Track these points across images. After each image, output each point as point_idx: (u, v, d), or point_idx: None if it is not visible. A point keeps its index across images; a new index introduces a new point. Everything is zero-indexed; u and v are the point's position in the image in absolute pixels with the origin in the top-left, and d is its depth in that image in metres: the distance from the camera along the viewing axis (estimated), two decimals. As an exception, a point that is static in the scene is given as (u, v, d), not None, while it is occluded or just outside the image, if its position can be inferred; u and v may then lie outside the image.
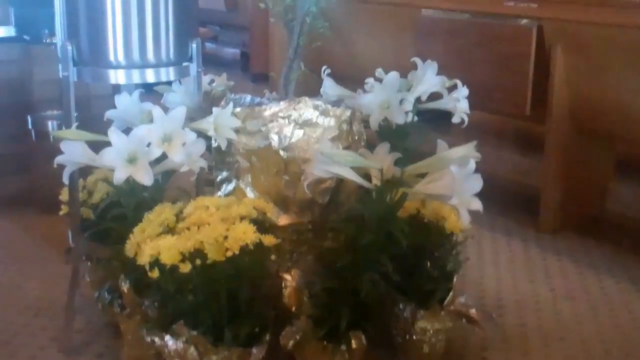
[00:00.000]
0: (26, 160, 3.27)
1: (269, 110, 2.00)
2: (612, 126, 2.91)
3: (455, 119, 2.22)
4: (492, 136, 4.12)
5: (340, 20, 3.26)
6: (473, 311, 1.95)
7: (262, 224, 1.74)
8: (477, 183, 1.69)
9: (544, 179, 3.11)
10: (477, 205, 1.72)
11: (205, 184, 2.07)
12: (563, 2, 3.14)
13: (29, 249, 2.83)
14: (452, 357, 2.04)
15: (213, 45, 7.82)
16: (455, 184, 1.65)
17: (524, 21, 3.03)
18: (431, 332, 1.90)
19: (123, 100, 2.08)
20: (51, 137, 2.30)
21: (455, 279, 1.95)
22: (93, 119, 2.25)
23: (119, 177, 1.74)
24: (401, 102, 2.12)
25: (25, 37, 3.40)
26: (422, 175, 1.81)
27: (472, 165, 1.70)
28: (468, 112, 2.23)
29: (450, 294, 1.92)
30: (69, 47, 1.94)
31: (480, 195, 1.74)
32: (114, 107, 2.10)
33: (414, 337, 1.90)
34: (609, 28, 2.87)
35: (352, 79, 2.40)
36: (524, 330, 2.24)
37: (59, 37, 2.03)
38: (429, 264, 1.93)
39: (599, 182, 3.27)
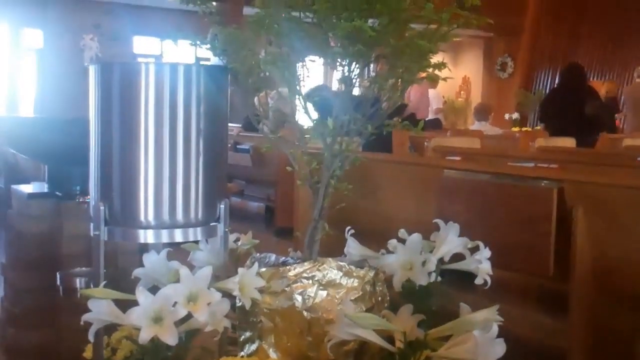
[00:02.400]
0: (52, 315, 3.30)
1: (293, 270, 2.03)
2: (637, 286, 2.91)
3: (478, 281, 2.23)
4: (516, 295, 4.09)
5: (365, 180, 3.35)
6: None
7: (285, 386, 1.73)
8: (500, 348, 1.69)
9: (569, 339, 3.08)
10: (501, 370, 1.71)
11: (229, 343, 2.08)
12: (583, 163, 3.21)
13: (49, 405, 2.81)
14: None
15: (239, 199, 7.98)
16: (478, 348, 1.65)
17: (545, 182, 3.09)
18: None
19: (151, 259, 2.12)
20: (78, 294, 2.34)
21: None
22: (119, 275, 2.28)
23: (145, 337, 1.76)
24: (424, 263, 2.15)
25: (58, 193, 3.51)
26: (446, 338, 1.81)
27: (495, 329, 1.71)
28: (491, 273, 2.24)
29: None
30: (102, 207, 2.01)
31: (506, 356, 1.74)
32: (141, 262, 2.14)
33: None
34: (630, 190, 2.92)
35: (376, 237, 2.44)
36: None
37: (92, 197, 2.10)
38: None
39: (625, 341, 3.22)
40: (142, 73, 1.99)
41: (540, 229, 3.05)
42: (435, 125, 11.51)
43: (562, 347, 3.19)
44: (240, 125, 8.67)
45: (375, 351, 1.93)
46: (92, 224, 2.05)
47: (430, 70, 2.09)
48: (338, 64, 2.12)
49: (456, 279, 2.32)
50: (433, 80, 2.20)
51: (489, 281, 2.23)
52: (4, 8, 13.40)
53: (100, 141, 2.04)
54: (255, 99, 2.26)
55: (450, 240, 2.22)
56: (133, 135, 1.99)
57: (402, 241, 2.21)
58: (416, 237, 2.18)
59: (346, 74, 2.10)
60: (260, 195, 7.80)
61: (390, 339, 1.84)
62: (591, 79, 14.68)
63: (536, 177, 3.20)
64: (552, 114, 8.67)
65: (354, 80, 2.13)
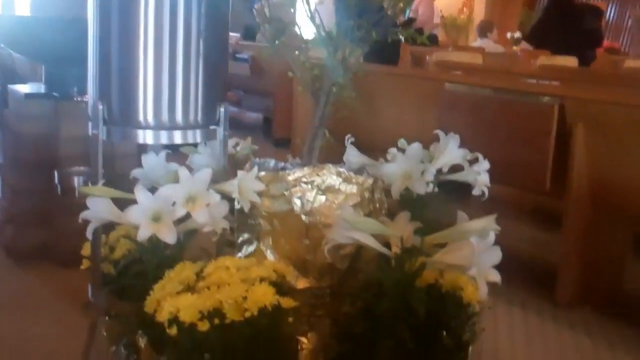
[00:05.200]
0: (49, 214, 3.31)
1: (293, 175, 2.03)
2: (631, 204, 2.93)
3: (475, 192, 2.24)
4: (512, 209, 4.12)
5: (366, 90, 3.32)
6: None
7: (281, 287, 1.75)
8: (496, 255, 1.71)
9: (561, 254, 3.11)
10: (496, 277, 1.73)
11: (227, 244, 2.09)
12: (585, 81, 3.18)
13: (46, 301, 2.85)
14: None
15: (236, 110, 7.93)
16: (474, 255, 1.66)
17: (546, 99, 3.07)
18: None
19: (150, 160, 2.12)
20: (77, 192, 2.34)
21: (470, 350, 1.94)
22: (117, 177, 2.28)
23: (143, 234, 1.77)
24: (423, 172, 2.15)
25: (55, 94, 3.48)
26: (442, 246, 1.82)
27: (492, 237, 1.72)
28: (488, 185, 2.25)
29: (465, 365, 1.91)
30: (100, 107, 1.99)
31: (498, 267, 1.75)
32: (138, 166, 2.14)
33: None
34: (630, 108, 2.90)
35: (375, 148, 2.44)
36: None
37: (90, 96, 2.07)
38: (444, 333, 1.93)
39: (616, 258, 3.26)
40: (144, -28, 1.95)
41: (539, 145, 3.04)
42: (431, 40, 11.31)
43: (553, 262, 3.23)
44: (239, 35, 8.55)
45: (372, 256, 1.95)
46: (90, 123, 2.03)
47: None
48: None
49: (453, 191, 2.33)
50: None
51: (487, 192, 2.24)
52: None
53: (99, 39, 2.01)
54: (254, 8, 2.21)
55: (450, 150, 2.21)
56: (132, 33, 1.96)
57: (402, 151, 2.21)
58: (416, 146, 2.18)
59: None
60: (258, 105, 7.74)
61: (387, 245, 1.85)
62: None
63: (538, 92, 3.17)
64: (548, 32, 8.56)
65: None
